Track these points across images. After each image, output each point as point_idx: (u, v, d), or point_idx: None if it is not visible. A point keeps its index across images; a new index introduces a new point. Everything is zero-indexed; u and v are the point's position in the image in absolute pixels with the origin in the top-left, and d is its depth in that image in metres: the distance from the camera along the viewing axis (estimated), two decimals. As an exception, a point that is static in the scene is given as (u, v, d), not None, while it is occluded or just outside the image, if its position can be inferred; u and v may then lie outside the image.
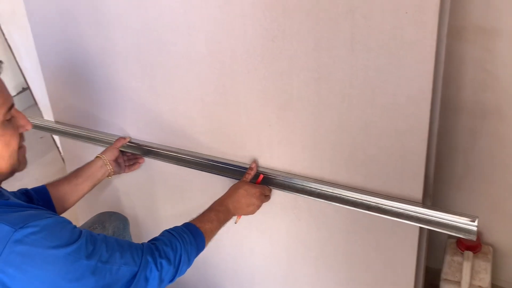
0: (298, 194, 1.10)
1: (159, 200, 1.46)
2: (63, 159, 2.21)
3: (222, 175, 1.21)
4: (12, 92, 2.96)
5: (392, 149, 0.97)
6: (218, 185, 1.23)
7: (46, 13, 1.33)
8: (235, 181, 1.16)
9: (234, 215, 1.10)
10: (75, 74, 1.39)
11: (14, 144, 0.84)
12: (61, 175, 1.25)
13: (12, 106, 0.84)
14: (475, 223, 0.90)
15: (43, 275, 0.74)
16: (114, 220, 1.36)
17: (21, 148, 0.88)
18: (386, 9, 0.84)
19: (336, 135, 1.02)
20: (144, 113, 1.30)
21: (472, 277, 1.26)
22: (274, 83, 1.03)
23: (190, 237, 0.96)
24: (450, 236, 1.38)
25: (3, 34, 1.87)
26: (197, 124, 1.21)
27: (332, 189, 1.06)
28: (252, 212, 1.13)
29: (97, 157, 1.27)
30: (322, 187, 1.07)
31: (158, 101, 1.24)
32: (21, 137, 0.88)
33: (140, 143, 1.34)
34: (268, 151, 1.13)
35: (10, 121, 0.84)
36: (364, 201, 1.02)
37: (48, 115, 2.09)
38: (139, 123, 1.33)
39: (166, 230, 0.98)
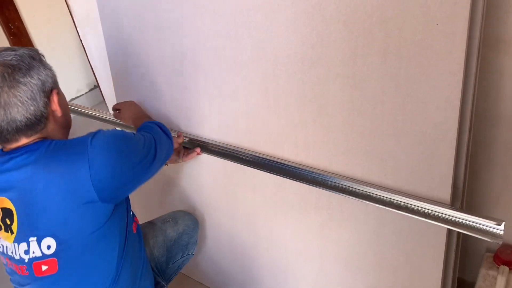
0: (331, 191, 1.15)
1: (208, 192, 1.57)
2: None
3: (262, 170, 1.28)
4: (85, 89, 3.25)
5: (421, 156, 1.00)
6: (258, 179, 1.32)
7: (117, 19, 1.49)
8: (273, 176, 1.24)
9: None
10: (138, 73, 1.53)
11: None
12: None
13: None
14: (501, 227, 0.91)
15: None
16: (187, 219, 1.51)
17: None
18: (418, 21, 0.89)
19: (368, 140, 1.06)
20: (196, 111, 1.41)
21: (506, 292, 1.24)
22: (312, 88, 1.10)
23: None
24: (487, 250, 1.37)
25: (79, 36, 2.09)
26: (242, 123, 1.30)
27: (364, 188, 1.10)
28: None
29: None
30: (354, 185, 1.12)
31: (210, 100, 1.35)
32: None
33: (191, 137, 1.45)
34: (304, 151, 1.19)
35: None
36: (394, 200, 1.06)
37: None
38: (192, 120, 1.44)
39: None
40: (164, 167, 1.38)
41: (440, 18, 0.86)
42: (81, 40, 2.07)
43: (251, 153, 1.31)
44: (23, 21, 3.03)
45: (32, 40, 3.10)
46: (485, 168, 1.20)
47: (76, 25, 2.03)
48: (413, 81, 0.94)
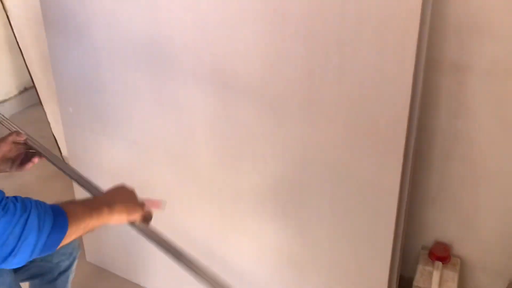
0: (286, 200, 1.21)
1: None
2: (63, 159, 2.31)
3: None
4: (14, 91, 3.06)
5: (372, 166, 1.09)
6: (215, 188, 1.34)
7: (62, 26, 1.44)
8: (231, 185, 1.27)
9: (109, 205, 0.92)
10: (87, 86, 1.49)
11: None
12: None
13: None
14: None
15: None
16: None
17: None
18: (372, 45, 0.97)
19: (323, 151, 1.14)
20: (150, 123, 1.41)
21: (440, 285, 1.38)
22: (270, 103, 1.15)
23: (46, 207, 0.82)
24: (423, 247, 1.51)
25: (16, 38, 1.98)
26: (199, 134, 1.32)
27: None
28: (130, 212, 0.96)
29: None
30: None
31: (164, 111, 1.36)
32: None
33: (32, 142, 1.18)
34: (262, 162, 1.25)
35: None
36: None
37: (52, 116, 2.21)
38: (145, 132, 1.44)
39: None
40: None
41: (392, 44, 0.95)
42: (18, 43, 1.97)
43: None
44: None
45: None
46: (424, 174, 1.33)
47: (13, 26, 1.93)
48: (365, 100, 1.03)
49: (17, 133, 1.15)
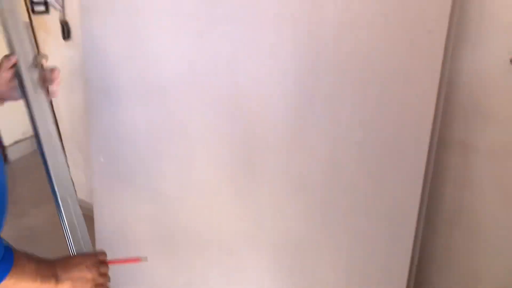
0: (306, 258, 1.31)
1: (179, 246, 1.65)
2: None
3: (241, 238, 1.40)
4: (30, 132, 3.18)
5: (386, 234, 1.20)
6: (235, 243, 1.43)
7: (104, 84, 1.59)
8: (250, 240, 1.35)
9: (57, 279, 0.90)
10: (120, 137, 1.61)
11: None
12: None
13: None
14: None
15: None
16: None
17: None
18: (392, 125, 1.11)
19: (342, 217, 1.25)
20: (180, 177, 1.51)
21: None
22: (295, 168, 1.27)
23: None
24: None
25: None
26: (225, 191, 1.43)
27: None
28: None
29: None
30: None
31: (193, 166, 1.47)
32: None
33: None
34: (283, 220, 1.35)
35: None
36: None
37: (70, 158, 2.31)
38: (174, 184, 1.54)
39: None
40: None
41: (409, 125, 1.08)
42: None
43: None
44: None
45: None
46: (430, 240, 1.43)
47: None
48: (383, 173, 1.15)
49: (6, 56, 1.00)
